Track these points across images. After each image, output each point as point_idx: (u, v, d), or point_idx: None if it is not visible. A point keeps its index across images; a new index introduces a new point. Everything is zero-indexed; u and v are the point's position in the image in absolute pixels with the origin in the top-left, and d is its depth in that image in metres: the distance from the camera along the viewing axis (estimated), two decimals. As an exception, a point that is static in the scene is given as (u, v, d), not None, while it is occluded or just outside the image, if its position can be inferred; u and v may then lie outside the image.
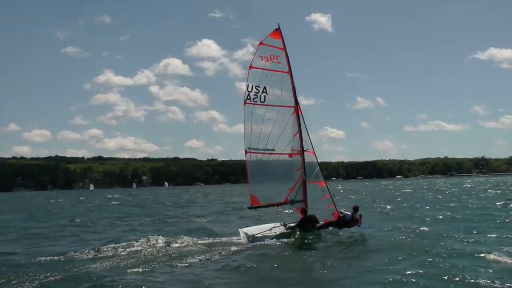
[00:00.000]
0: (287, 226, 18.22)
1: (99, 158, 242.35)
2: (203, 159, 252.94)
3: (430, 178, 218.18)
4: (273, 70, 18.58)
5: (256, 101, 18.58)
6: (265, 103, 18.64)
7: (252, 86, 18.55)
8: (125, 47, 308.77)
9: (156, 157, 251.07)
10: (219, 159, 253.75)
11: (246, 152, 18.64)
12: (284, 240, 17.05)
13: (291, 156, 18.89)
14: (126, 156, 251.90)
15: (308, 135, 18.90)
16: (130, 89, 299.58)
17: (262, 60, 18.55)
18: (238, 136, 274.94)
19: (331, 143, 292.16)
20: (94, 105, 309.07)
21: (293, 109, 18.76)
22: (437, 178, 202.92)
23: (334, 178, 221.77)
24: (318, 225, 17.83)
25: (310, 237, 17.34)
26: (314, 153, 19.01)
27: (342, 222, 18.02)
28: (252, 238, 17.33)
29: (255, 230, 18.13)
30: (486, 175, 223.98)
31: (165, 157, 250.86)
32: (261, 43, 18.60)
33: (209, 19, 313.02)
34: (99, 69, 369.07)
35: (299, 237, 17.36)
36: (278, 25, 18.63)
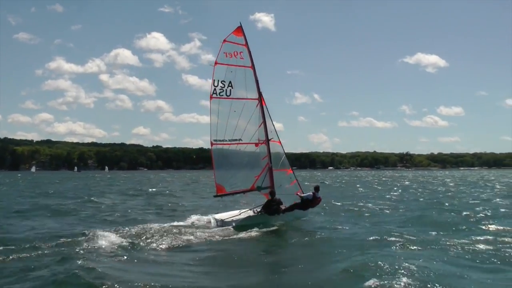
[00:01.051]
0: (254, 210, 19.40)
1: (48, 142, 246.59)
2: (149, 146, 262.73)
3: (359, 170, 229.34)
4: (237, 66, 19.71)
5: (222, 95, 19.65)
6: (230, 97, 19.75)
7: (218, 81, 19.60)
8: (77, 36, 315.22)
9: (103, 142, 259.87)
10: (164, 146, 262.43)
11: (212, 144, 19.65)
12: (249, 224, 17.96)
13: (257, 145, 20.13)
14: (75, 140, 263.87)
15: (273, 125, 20.26)
16: (81, 77, 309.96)
17: (226, 56, 19.62)
18: (184, 125, 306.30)
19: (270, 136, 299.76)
20: (45, 91, 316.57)
21: (257, 101, 20.02)
22: (364, 171, 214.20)
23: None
24: (283, 207, 19.13)
25: (273, 223, 18.48)
26: (280, 142, 20.39)
27: (306, 202, 19.23)
28: (220, 223, 18.39)
29: (225, 215, 19.22)
30: (409, 169, 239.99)
31: (113, 142, 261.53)
32: (225, 40, 19.64)
33: (159, 13, 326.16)
34: (51, 56, 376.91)
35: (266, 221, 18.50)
36: (240, 23, 19.84)
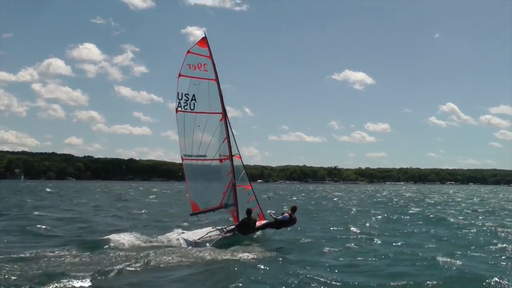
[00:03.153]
0: (225, 229, 18.61)
1: None
2: (80, 156, 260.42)
3: (288, 183, 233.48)
4: (201, 78, 18.90)
5: (187, 109, 18.77)
6: (194, 111, 18.90)
7: (182, 94, 18.70)
8: (9, 45, 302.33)
9: (36, 152, 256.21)
10: (96, 156, 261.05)
11: (182, 159, 18.76)
12: (225, 243, 17.35)
13: (221, 161, 19.40)
14: (7, 149, 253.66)
15: (235, 141, 19.60)
16: (13, 85, 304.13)
17: (190, 68, 18.76)
18: (116, 136, 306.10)
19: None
20: None
21: (221, 115, 19.30)
22: (293, 184, 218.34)
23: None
24: (256, 226, 18.52)
25: (247, 241, 17.99)
26: (240, 157, 19.75)
27: (280, 222, 18.55)
28: (194, 244, 17.36)
29: (194, 235, 18.20)
30: (337, 183, 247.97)
31: (44, 152, 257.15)
32: (189, 52, 18.83)
33: (91, 24, 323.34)
34: None
35: (237, 240, 17.89)
36: (205, 33, 19.12)
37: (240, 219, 18.72)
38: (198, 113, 18.93)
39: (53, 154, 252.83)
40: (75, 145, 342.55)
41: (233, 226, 18.76)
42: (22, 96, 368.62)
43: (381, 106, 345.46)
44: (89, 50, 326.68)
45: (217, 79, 19.18)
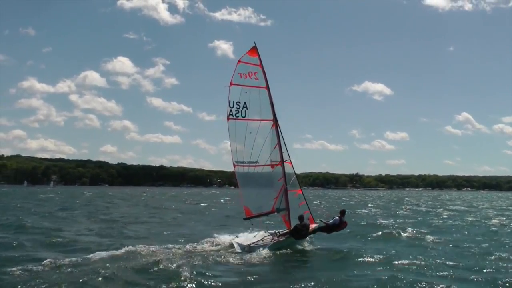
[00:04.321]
0: (279, 233, 18.89)
1: (17, 157, 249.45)
2: (114, 163, 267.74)
3: (311, 189, 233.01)
4: (252, 86, 19.31)
5: (238, 116, 19.18)
6: (246, 118, 19.30)
7: (234, 102, 19.14)
8: (48, 58, 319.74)
9: (73, 159, 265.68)
10: (129, 163, 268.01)
11: (234, 166, 19.19)
12: (280, 248, 17.82)
13: (273, 167, 19.68)
14: (47, 156, 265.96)
15: (286, 147, 19.89)
16: (52, 96, 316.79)
17: (241, 77, 19.20)
18: (148, 144, 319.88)
19: (230, 155, 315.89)
20: (18, 109, 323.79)
21: (272, 122, 19.63)
22: (316, 190, 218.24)
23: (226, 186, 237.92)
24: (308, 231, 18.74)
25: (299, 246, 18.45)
26: (291, 163, 20.02)
27: (331, 227, 18.79)
28: (248, 248, 17.71)
29: (247, 240, 18.56)
30: (359, 189, 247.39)
31: (81, 159, 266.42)
32: (239, 61, 19.28)
33: (124, 39, 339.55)
34: (24, 76, 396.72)
35: (290, 244, 18.32)
36: (255, 43, 19.50)
37: (292, 223, 19.02)
38: (249, 120, 19.33)
39: (89, 161, 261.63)
40: (110, 153, 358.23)
41: (285, 230, 18.99)
42: (60, 107, 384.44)
43: (400, 115, 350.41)
44: (123, 63, 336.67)
45: (267, 87, 19.53)
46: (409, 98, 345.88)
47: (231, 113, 19.12)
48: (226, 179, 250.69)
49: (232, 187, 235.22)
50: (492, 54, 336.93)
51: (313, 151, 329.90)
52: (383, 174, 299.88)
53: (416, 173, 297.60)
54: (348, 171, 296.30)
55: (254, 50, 19.46)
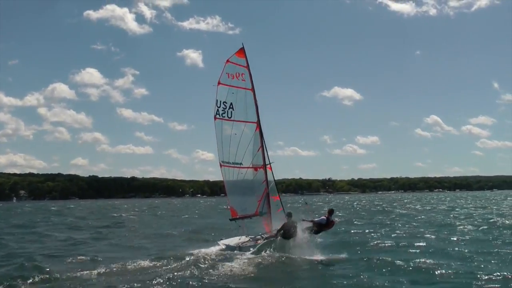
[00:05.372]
0: (263, 236, 18.81)
1: None
2: (85, 176, 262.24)
3: (284, 195, 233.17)
4: (239, 87, 19.28)
5: (224, 117, 19.13)
6: (231, 119, 19.25)
7: (221, 102, 19.07)
8: (15, 71, 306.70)
9: (43, 173, 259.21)
10: (100, 176, 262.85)
11: (221, 165, 19.06)
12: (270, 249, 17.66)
13: (256, 170, 19.63)
14: (17, 171, 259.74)
15: (267, 151, 19.73)
16: (20, 110, 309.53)
17: (228, 77, 19.14)
18: (120, 156, 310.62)
19: (202, 164, 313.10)
20: None
21: (256, 124, 19.56)
22: (290, 196, 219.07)
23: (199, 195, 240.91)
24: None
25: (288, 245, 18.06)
26: (271, 168, 19.82)
27: (318, 225, 18.33)
28: (238, 249, 17.70)
29: (231, 242, 18.49)
30: (331, 194, 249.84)
31: (51, 173, 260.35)
32: (228, 61, 19.21)
33: (91, 50, 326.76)
34: None
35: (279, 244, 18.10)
36: (242, 44, 19.47)
37: (272, 227, 18.98)
38: (235, 121, 19.27)
39: (59, 175, 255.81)
40: (81, 166, 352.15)
41: (267, 234, 18.89)
42: (29, 120, 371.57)
43: (370, 120, 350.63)
44: (91, 75, 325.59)
45: (253, 89, 19.52)
46: (378, 103, 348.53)
47: (217, 113, 19.05)
48: (198, 188, 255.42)
49: (204, 196, 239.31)
50: (457, 57, 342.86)
51: (285, 157, 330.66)
52: (356, 178, 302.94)
53: (388, 176, 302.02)
54: (320, 177, 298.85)
55: (241, 51, 19.44)
